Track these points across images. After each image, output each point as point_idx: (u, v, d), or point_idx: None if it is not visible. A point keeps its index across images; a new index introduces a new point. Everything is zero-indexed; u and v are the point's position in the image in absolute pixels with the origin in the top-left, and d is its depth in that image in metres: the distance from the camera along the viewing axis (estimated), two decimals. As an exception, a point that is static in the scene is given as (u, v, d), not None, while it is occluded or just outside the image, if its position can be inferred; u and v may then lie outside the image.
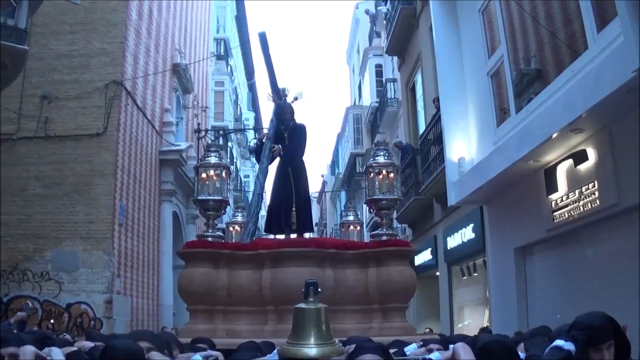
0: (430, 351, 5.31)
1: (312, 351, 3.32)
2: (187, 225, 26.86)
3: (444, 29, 15.91)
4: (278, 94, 11.03)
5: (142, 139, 20.45)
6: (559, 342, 3.88)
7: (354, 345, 4.26)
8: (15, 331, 9.50)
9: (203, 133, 29.69)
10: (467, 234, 16.18)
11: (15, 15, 11.43)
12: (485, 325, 13.82)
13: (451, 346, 5.02)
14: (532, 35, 11.94)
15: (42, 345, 4.22)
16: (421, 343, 6.00)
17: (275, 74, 11.14)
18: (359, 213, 16.97)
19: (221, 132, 32.29)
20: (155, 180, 22.15)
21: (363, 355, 4.02)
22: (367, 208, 29.52)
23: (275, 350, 4.12)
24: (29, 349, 3.93)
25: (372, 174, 9.96)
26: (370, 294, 9.35)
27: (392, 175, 9.90)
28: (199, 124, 29.64)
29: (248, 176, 49.58)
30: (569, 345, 3.80)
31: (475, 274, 16.37)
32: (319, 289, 3.56)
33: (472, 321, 16.70)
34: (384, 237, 9.77)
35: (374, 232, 10.20)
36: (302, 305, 3.48)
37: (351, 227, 13.42)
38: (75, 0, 16.19)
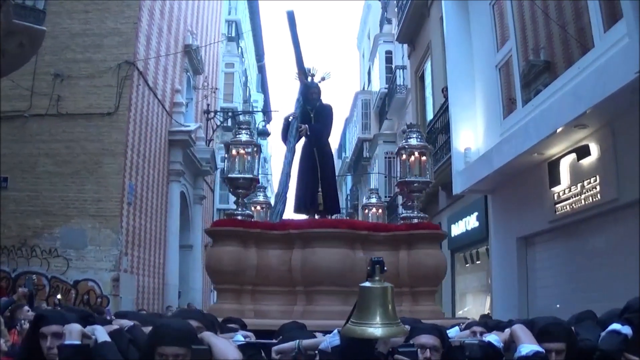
0: (474, 334, 5.26)
1: (378, 331, 3.20)
2: (194, 206, 27.05)
3: (454, 20, 16.05)
4: (305, 74, 10.83)
5: (152, 119, 20.62)
6: (615, 326, 3.85)
7: (408, 327, 4.16)
8: (26, 307, 9.68)
9: (212, 114, 29.86)
10: (471, 222, 16.37)
11: (33, -5, 11.61)
12: (486, 313, 13.98)
13: (487, 335, 5.11)
14: (542, 28, 12.09)
15: (85, 323, 4.16)
16: (463, 326, 6.02)
17: (302, 53, 10.92)
18: (363, 197, 16.54)
19: (230, 114, 32.39)
20: (164, 160, 22.33)
21: (420, 336, 4.07)
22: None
23: (336, 330, 4.04)
24: (75, 328, 3.89)
25: (404, 156, 9.64)
26: (400, 276, 9.07)
27: (424, 157, 9.61)
28: (208, 105, 29.79)
29: (256, 157, 49.66)
30: (626, 329, 3.79)
31: (478, 262, 16.57)
32: (385, 268, 3.40)
33: (472, 307, 16.89)
34: (415, 220, 9.52)
35: (404, 215, 9.95)
36: (368, 284, 3.34)
37: (373, 209, 13.15)
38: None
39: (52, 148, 17.53)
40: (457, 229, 17.45)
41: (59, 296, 16.13)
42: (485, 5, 14.81)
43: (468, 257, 17.25)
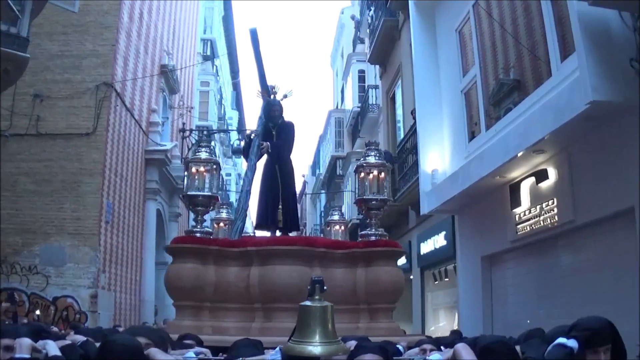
0: (424, 351, 5.48)
1: (318, 349, 3.25)
2: (169, 223, 27.29)
3: (422, 45, 16.52)
4: (267, 91, 10.89)
5: (129, 139, 20.92)
6: (562, 340, 3.85)
7: (354, 344, 4.23)
8: (8, 322, 9.97)
9: (188, 133, 30.16)
10: (439, 241, 16.83)
11: (17, 24, 11.88)
12: (455, 328, 14.31)
13: (442, 348, 5.28)
14: (512, 47, 12.47)
15: (37, 338, 4.22)
16: (414, 343, 6.22)
17: (264, 71, 11.01)
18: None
19: (205, 132, 32.65)
20: (141, 179, 22.60)
21: (364, 355, 3.99)
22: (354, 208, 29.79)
23: (278, 348, 4.18)
24: (26, 342, 3.96)
25: (362, 174, 9.80)
26: (358, 293, 9.22)
27: (382, 175, 9.75)
28: (183, 124, 30.11)
29: (230, 174, 49.89)
30: (572, 342, 3.78)
31: (446, 279, 17.02)
32: (325, 287, 3.49)
33: (446, 324, 17.29)
34: (373, 238, 9.61)
35: (363, 232, 10.02)
36: (308, 302, 3.40)
37: (336, 226, 13.27)
38: (72, 8, 16.59)
39: (32, 167, 17.72)
40: (426, 247, 17.91)
41: (38, 312, 16.39)
42: (452, 31, 15.33)
43: (437, 275, 17.67)
